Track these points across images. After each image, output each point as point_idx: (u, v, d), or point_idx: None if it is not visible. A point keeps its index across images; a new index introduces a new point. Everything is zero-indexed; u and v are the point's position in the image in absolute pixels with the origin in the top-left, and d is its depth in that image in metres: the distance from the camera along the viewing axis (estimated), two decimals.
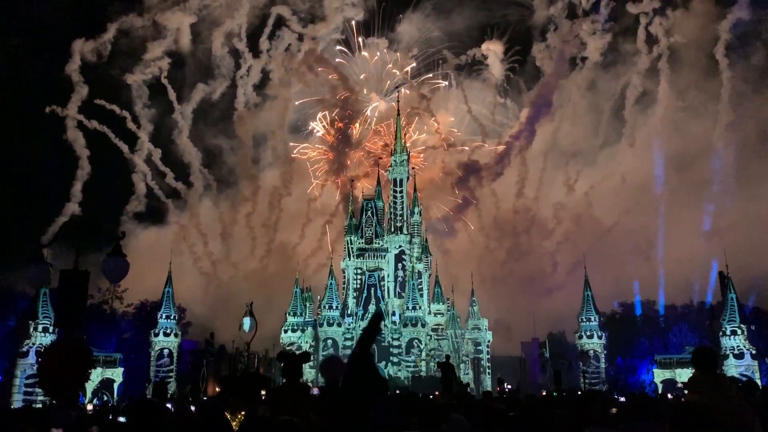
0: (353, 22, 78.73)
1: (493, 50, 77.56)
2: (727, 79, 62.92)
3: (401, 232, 60.64)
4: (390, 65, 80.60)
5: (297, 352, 9.96)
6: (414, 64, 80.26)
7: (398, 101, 69.40)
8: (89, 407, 18.12)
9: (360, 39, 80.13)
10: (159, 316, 47.68)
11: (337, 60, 79.57)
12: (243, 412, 7.49)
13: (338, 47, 79.73)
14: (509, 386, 39.90)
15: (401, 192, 62.22)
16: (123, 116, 69.58)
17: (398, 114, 67.39)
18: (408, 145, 67.13)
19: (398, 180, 62.37)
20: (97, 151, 67.67)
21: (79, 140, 67.13)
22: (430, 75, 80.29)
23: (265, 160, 78.61)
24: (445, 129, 78.71)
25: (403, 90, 78.27)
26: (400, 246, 60.38)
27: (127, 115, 69.92)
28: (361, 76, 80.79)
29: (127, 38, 71.23)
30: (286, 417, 4.28)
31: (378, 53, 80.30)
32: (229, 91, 76.45)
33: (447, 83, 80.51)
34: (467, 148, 77.44)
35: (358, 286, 58.60)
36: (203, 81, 74.89)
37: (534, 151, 71.40)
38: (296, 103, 78.79)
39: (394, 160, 63.09)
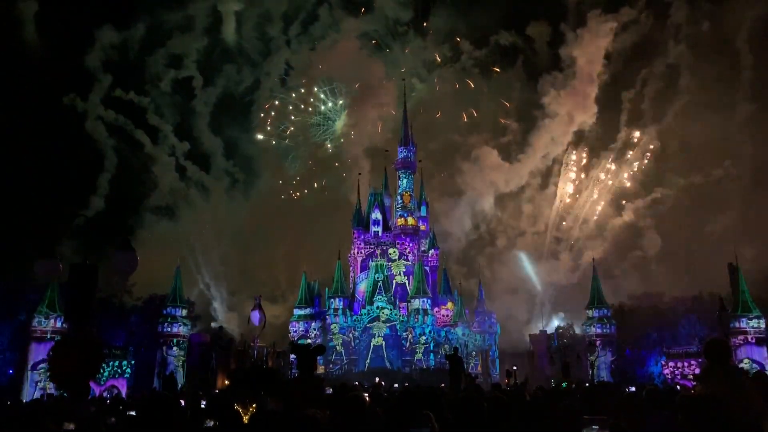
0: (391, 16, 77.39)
1: (539, 32, 74.33)
2: (748, 70, 61.63)
3: (408, 225, 60.67)
4: (421, 55, 79.71)
5: (311, 344, 9.94)
6: (446, 54, 79.11)
7: (404, 92, 69.16)
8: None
9: (396, 29, 79.02)
10: (168, 310, 47.87)
11: (369, 50, 78.80)
12: (254, 405, 7.51)
13: (373, 36, 78.69)
14: (516, 379, 39.93)
15: (409, 184, 62.23)
16: (144, 107, 69.65)
17: (404, 105, 67.20)
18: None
19: (405, 171, 62.37)
20: (119, 142, 67.93)
21: (102, 132, 67.16)
22: (455, 64, 79.13)
23: (287, 151, 78.92)
24: (473, 120, 77.55)
25: (414, 81, 77.79)
26: (407, 238, 60.45)
27: (150, 106, 69.93)
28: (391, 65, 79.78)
29: (157, 27, 70.76)
30: (309, 411, 4.26)
31: (409, 44, 79.20)
32: (256, 82, 76.88)
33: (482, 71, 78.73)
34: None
35: (366, 278, 58.71)
36: (229, 71, 75.15)
37: (553, 143, 69.92)
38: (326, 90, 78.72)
39: (402, 151, 63.07)
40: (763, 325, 43.32)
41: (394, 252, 59.81)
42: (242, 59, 76.70)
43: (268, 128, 79.13)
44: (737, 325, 43.29)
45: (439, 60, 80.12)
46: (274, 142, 78.77)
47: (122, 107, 68.43)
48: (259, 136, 78.86)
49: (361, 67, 74.97)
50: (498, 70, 77.78)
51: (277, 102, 79.15)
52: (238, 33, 75.62)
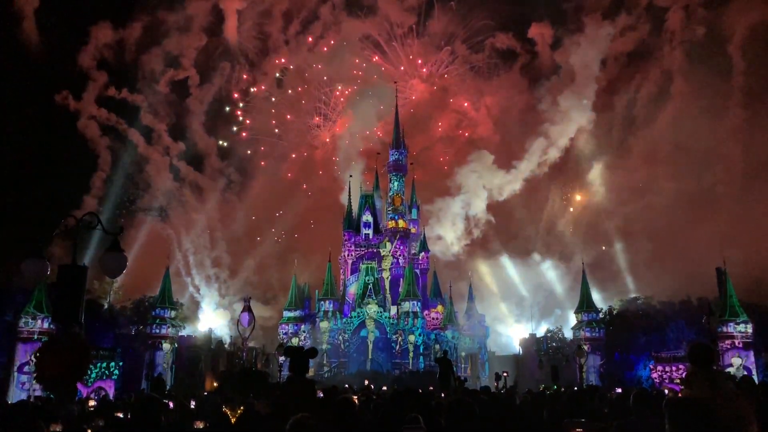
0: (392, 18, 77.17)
1: (541, 34, 73.41)
2: (741, 76, 61.75)
3: (398, 227, 60.69)
4: (418, 57, 79.79)
5: (304, 347, 9.93)
6: (445, 53, 79.20)
7: (396, 95, 69.15)
8: (91, 403, 18.14)
9: (394, 32, 78.93)
10: (157, 311, 47.60)
11: (367, 51, 78.55)
12: (242, 407, 7.50)
13: (371, 38, 78.52)
14: (506, 382, 39.96)
15: (400, 186, 62.28)
16: (138, 106, 69.12)
17: (396, 108, 67.26)
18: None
19: (397, 174, 62.43)
20: (113, 141, 67.45)
21: (96, 131, 66.59)
22: (454, 65, 79.29)
23: (281, 152, 78.79)
24: (468, 123, 77.59)
25: (410, 84, 77.94)
26: (397, 241, 60.47)
27: (145, 106, 69.40)
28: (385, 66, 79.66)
29: (153, 26, 70.13)
30: (302, 415, 4.26)
31: (407, 46, 79.20)
32: (252, 82, 76.64)
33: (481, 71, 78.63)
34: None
35: (356, 280, 58.67)
36: (224, 69, 74.83)
37: (549, 148, 69.54)
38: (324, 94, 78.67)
39: (393, 154, 63.11)
40: (750, 330, 43.63)
41: (384, 254, 59.71)
42: (239, 58, 76.66)
43: (263, 129, 79.13)
44: (725, 329, 43.56)
45: (436, 63, 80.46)
46: (257, 144, 78.67)
47: (116, 106, 68.00)
48: (254, 137, 78.82)
49: (357, 69, 75.04)
50: (497, 76, 78.32)
51: (273, 101, 79.16)
52: (237, 32, 75.56)
